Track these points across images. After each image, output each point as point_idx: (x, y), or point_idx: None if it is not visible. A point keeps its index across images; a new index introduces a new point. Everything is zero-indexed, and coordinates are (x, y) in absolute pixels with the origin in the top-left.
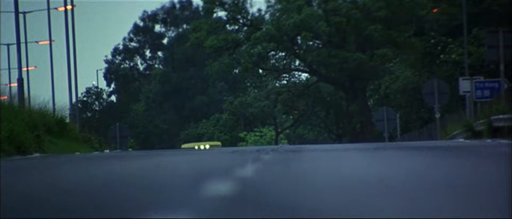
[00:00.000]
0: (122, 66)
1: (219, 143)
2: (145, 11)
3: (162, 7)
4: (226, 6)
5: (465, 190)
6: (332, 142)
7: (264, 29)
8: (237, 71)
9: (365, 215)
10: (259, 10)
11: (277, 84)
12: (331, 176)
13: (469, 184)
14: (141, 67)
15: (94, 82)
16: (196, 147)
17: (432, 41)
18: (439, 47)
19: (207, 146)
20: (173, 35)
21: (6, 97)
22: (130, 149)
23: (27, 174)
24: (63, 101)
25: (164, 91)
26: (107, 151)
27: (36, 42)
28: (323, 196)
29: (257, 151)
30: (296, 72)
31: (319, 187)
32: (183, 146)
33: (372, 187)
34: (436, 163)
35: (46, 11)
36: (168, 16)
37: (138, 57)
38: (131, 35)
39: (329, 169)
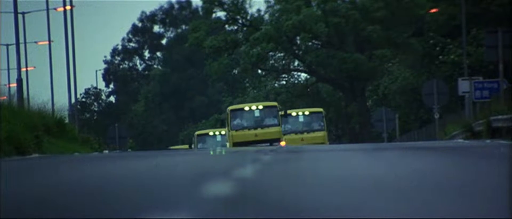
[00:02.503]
0: (121, 66)
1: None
2: (143, 12)
3: (161, 8)
4: (225, 6)
5: (464, 191)
6: (331, 142)
7: (263, 30)
8: (236, 71)
9: (364, 215)
10: (258, 10)
11: (276, 84)
12: (330, 176)
13: (468, 185)
14: (140, 68)
15: (92, 84)
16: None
17: (431, 41)
18: (438, 48)
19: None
20: (172, 35)
21: (5, 97)
22: (129, 150)
23: (26, 174)
24: (62, 101)
25: (163, 91)
26: (106, 151)
27: (35, 42)
28: (322, 197)
29: (256, 152)
30: (295, 73)
31: (318, 188)
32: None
33: (371, 188)
34: (435, 163)
35: (45, 12)
36: (166, 16)
37: (137, 57)
38: (130, 36)
39: (328, 170)
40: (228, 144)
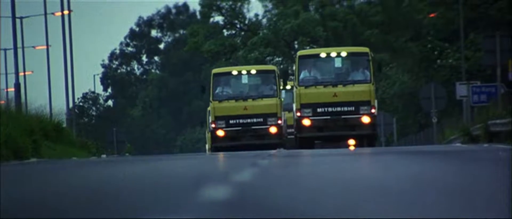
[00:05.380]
0: (119, 71)
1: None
2: (140, 17)
3: (158, 12)
4: (223, 11)
5: (463, 194)
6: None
7: (261, 34)
8: None
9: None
10: (256, 15)
11: None
12: (328, 180)
13: (466, 188)
14: (137, 72)
15: (90, 88)
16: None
17: (429, 46)
18: (436, 52)
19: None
20: (169, 40)
21: (3, 102)
22: (127, 154)
23: (25, 178)
24: (60, 106)
25: (161, 96)
26: (104, 156)
27: (33, 47)
28: (320, 201)
29: (254, 156)
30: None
31: (317, 192)
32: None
33: (369, 191)
34: (433, 167)
35: (43, 16)
36: (164, 21)
37: (134, 62)
38: (128, 40)
39: (327, 174)
40: (210, 118)
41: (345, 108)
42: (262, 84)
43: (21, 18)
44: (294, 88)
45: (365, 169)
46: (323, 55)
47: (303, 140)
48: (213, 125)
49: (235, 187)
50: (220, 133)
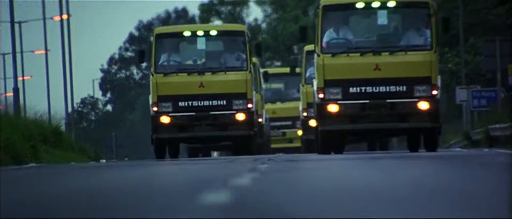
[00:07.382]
0: (118, 75)
1: None
2: (140, 21)
3: (158, 17)
4: (222, 15)
5: (462, 198)
6: None
7: (260, 39)
8: None
9: None
10: (256, 19)
11: None
12: (328, 185)
13: (465, 193)
14: (137, 77)
15: (89, 93)
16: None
17: None
18: None
19: None
20: None
21: (2, 107)
22: (126, 159)
23: (23, 183)
24: (59, 111)
25: None
26: (103, 160)
27: (32, 51)
28: (320, 206)
29: (253, 161)
30: None
31: (316, 197)
32: None
33: (368, 196)
34: (432, 171)
35: (42, 21)
36: (163, 25)
37: (134, 66)
38: (127, 45)
39: (326, 179)
40: (150, 98)
41: (392, 89)
42: (226, 52)
43: (20, 22)
44: (315, 57)
45: (364, 173)
46: (359, 5)
47: (328, 134)
48: (155, 108)
49: (235, 192)
50: (165, 119)
